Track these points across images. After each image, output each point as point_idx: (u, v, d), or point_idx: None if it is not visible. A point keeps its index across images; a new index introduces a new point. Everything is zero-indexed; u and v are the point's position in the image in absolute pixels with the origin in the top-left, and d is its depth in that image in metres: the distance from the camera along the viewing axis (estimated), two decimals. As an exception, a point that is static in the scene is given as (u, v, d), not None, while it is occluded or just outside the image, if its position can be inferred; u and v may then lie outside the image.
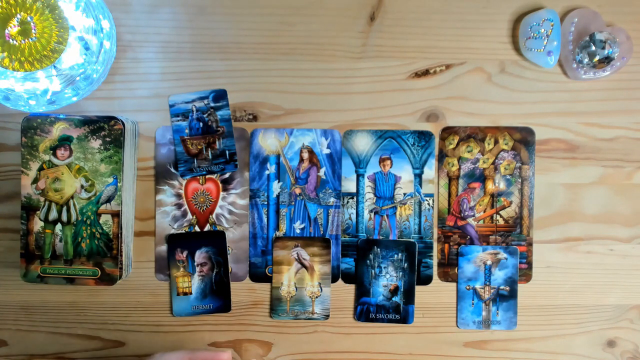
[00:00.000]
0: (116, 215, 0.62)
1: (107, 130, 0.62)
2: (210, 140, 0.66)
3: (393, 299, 0.66)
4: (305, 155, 0.66)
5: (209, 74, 0.66)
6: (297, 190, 0.66)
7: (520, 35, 0.65)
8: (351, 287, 0.67)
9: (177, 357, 0.56)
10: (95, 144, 0.62)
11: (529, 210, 0.66)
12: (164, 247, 0.66)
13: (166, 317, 0.66)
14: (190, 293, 0.66)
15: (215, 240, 0.66)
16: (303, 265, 0.66)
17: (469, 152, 0.66)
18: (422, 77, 0.66)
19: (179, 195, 0.66)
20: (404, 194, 0.67)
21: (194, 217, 0.66)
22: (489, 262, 0.66)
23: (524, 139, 0.66)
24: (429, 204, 0.66)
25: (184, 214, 0.66)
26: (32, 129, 0.62)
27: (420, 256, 0.66)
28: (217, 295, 0.66)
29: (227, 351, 0.57)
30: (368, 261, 0.66)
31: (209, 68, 0.66)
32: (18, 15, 0.59)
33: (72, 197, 0.62)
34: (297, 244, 0.66)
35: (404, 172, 0.67)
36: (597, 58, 0.63)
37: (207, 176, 0.66)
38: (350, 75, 0.66)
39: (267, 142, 0.66)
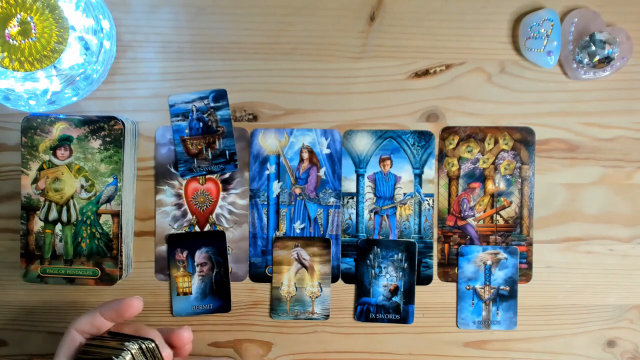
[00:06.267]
0: (116, 215, 0.62)
1: (107, 130, 0.62)
2: (210, 140, 0.66)
3: (393, 299, 0.66)
4: (305, 155, 0.66)
5: (209, 74, 0.66)
6: (297, 190, 0.66)
7: (520, 35, 0.65)
8: (351, 287, 0.67)
9: (87, 316, 0.55)
10: (95, 144, 0.62)
11: (529, 210, 0.66)
12: (164, 247, 0.66)
13: (166, 317, 0.66)
14: (190, 293, 0.66)
15: (215, 240, 0.66)
16: (303, 265, 0.66)
17: (469, 152, 0.66)
18: (422, 77, 0.66)
19: (179, 195, 0.66)
20: (404, 194, 0.66)
21: (194, 217, 0.66)
22: (489, 262, 0.66)
23: (524, 139, 0.66)
24: (429, 204, 0.66)
25: (184, 214, 0.66)
26: (32, 129, 0.62)
27: (420, 256, 0.66)
28: (217, 295, 0.66)
29: (140, 298, 0.56)
30: (368, 261, 0.66)
31: (209, 68, 0.66)
32: (18, 15, 0.59)
33: (72, 197, 0.62)
34: (297, 244, 0.66)
35: (404, 172, 0.66)
36: (597, 58, 0.63)
37: (207, 176, 0.66)
38: (350, 75, 0.66)
39: (267, 142, 0.66)
